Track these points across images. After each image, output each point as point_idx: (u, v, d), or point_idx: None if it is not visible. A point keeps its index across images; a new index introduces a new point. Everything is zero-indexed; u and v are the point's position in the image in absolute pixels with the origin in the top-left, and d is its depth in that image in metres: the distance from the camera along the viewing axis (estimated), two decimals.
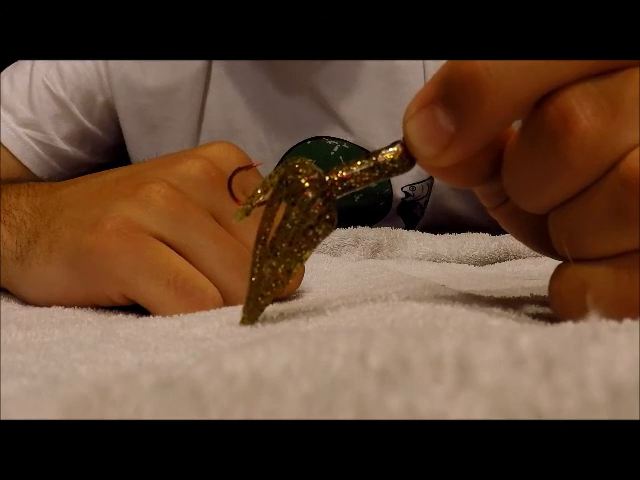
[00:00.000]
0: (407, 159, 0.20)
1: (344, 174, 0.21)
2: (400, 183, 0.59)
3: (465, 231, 0.53)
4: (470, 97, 0.18)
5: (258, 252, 0.21)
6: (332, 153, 0.59)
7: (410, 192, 0.60)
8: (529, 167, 0.19)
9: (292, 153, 0.59)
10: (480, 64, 0.18)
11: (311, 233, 0.21)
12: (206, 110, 0.59)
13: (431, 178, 0.60)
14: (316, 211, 0.20)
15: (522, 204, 0.20)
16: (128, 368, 0.18)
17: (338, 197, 0.21)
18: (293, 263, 0.21)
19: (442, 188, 0.61)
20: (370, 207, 0.61)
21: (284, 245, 0.21)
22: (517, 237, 0.25)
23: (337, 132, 0.59)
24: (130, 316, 0.27)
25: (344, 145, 0.59)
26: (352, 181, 0.21)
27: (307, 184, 0.20)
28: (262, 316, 0.22)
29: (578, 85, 0.18)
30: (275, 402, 0.11)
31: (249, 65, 0.57)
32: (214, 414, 0.12)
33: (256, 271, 0.21)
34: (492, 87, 0.18)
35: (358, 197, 0.60)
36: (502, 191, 0.21)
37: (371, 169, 0.21)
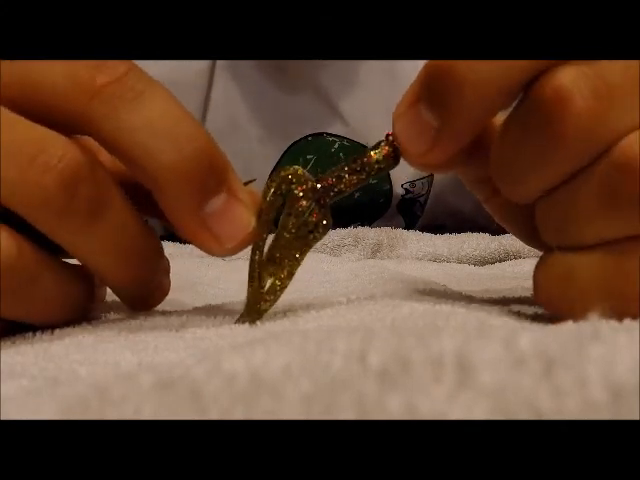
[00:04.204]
0: (391, 158, 0.22)
1: (334, 180, 0.22)
2: (400, 180, 0.60)
3: (465, 228, 0.53)
4: (450, 90, 0.19)
5: (256, 258, 0.22)
6: (333, 150, 0.59)
7: (410, 189, 0.60)
8: (521, 151, 0.19)
9: (293, 149, 0.59)
10: None
11: (311, 237, 0.22)
12: (210, 105, 0.58)
13: (431, 175, 0.60)
14: (314, 219, 0.22)
15: (510, 192, 0.20)
16: (128, 368, 0.18)
17: (331, 202, 0.22)
18: (295, 265, 0.22)
19: (442, 185, 0.61)
20: (370, 203, 0.61)
21: (283, 252, 0.22)
22: (511, 230, 0.25)
23: (338, 128, 0.59)
24: (129, 316, 0.27)
25: (344, 142, 0.59)
26: (342, 186, 0.22)
27: (301, 194, 0.22)
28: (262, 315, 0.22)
29: (572, 66, 0.18)
30: (275, 402, 0.11)
31: (252, 64, 0.57)
32: (214, 414, 0.12)
33: (255, 277, 0.22)
34: (470, 80, 0.18)
35: (358, 194, 0.60)
36: (490, 180, 0.21)
37: (358, 172, 0.22)
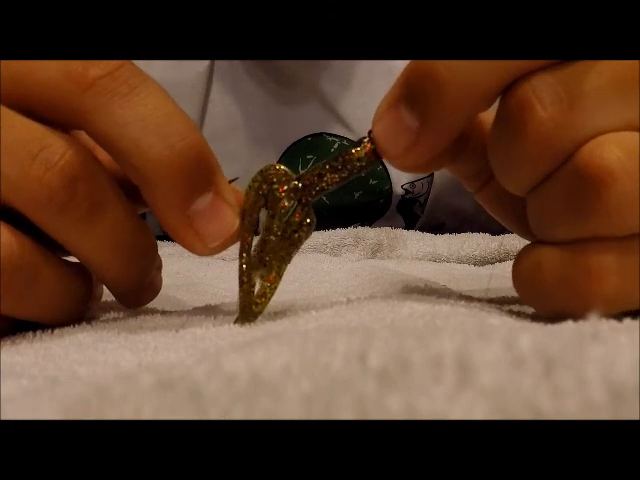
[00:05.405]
0: (374, 156, 0.21)
1: (315, 179, 0.22)
2: (400, 181, 0.60)
3: (465, 228, 0.53)
4: (430, 92, 0.19)
5: (244, 261, 0.22)
6: (332, 150, 0.59)
7: (410, 189, 0.60)
8: (503, 149, 0.20)
9: (293, 149, 0.59)
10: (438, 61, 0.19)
11: (296, 237, 0.22)
12: (209, 106, 0.58)
13: (431, 175, 0.60)
14: (297, 219, 0.22)
15: (504, 184, 0.21)
16: (128, 368, 0.18)
17: (313, 200, 0.22)
18: (282, 266, 0.22)
19: (442, 185, 0.61)
20: (370, 204, 0.61)
21: (271, 255, 0.22)
22: (503, 222, 0.26)
23: (338, 130, 0.59)
24: (129, 315, 0.27)
25: (344, 142, 0.59)
26: (324, 185, 0.22)
27: (283, 194, 0.22)
28: (261, 315, 0.22)
29: (536, 75, 0.18)
30: (275, 402, 0.11)
31: (249, 72, 0.57)
32: (214, 414, 0.12)
33: (245, 280, 0.22)
34: (450, 80, 0.18)
35: (358, 194, 0.60)
36: (479, 172, 0.22)
37: (339, 170, 0.22)
